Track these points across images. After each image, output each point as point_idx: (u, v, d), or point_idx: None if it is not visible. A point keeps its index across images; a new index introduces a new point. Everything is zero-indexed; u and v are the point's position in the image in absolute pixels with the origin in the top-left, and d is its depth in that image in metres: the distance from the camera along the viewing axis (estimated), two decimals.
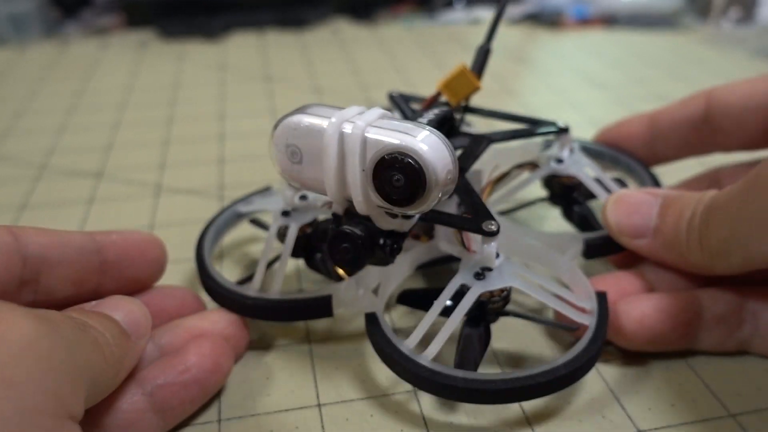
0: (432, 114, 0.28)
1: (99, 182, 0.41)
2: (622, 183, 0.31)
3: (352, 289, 0.26)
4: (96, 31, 0.70)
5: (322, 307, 0.26)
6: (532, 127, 0.31)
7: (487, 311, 0.24)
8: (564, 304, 0.25)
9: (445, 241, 0.27)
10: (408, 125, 0.21)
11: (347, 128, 0.22)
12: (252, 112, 0.50)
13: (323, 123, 0.22)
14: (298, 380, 0.26)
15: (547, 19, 0.70)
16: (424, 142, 0.20)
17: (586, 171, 0.30)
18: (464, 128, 0.31)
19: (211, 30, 0.67)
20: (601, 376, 0.26)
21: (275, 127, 0.23)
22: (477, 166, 0.29)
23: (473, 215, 0.24)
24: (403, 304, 0.28)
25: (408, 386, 0.25)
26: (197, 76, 0.58)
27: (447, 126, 0.29)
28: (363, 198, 0.22)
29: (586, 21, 0.70)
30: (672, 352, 0.26)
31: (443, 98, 0.30)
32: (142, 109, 0.51)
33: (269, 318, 0.27)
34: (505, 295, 0.24)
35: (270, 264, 0.29)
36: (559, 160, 0.30)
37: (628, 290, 0.27)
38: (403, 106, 0.31)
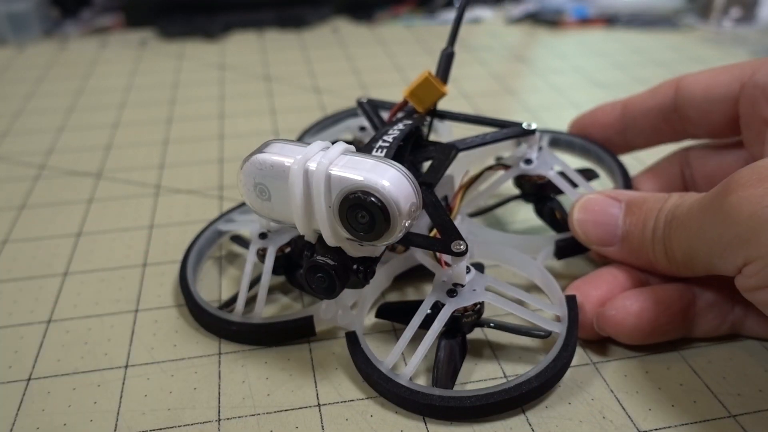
0: (397, 130, 0.28)
1: (98, 182, 0.41)
2: (590, 174, 0.32)
3: (332, 308, 0.27)
4: (95, 31, 0.70)
5: (304, 327, 0.27)
6: (499, 130, 0.31)
7: (462, 324, 0.25)
8: (534, 314, 0.25)
9: (421, 253, 0.28)
10: (370, 161, 0.22)
11: (312, 166, 0.22)
12: (252, 112, 0.50)
13: (288, 162, 0.22)
14: (298, 380, 0.26)
15: (547, 19, 0.70)
16: (386, 179, 0.21)
17: (555, 168, 0.31)
18: (433, 136, 0.31)
19: (211, 30, 0.67)
20: (601, 376, 0.26)
21: (242, 165, 0.24)
22: (448, 172, 0.29)
23: (442, 235, 0.25)
24: (382, 318, 0.28)
25: None
26: (197, 75, 0.58)
27: (413, 138, 0.29)
28: (331, 232, 0.23)
29: (586, 21, 0.69)
30: (671, 347, 0.26)
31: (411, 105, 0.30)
32: (141, 109, 0.51)
33: (254, 343, 0.28)
34: (478, 308, 0.25)
35: (253, 284, 0.29)
36: (528, 161, 0.31)
37: (626, 285, 0.27)
38: (372, 115, 0.32)
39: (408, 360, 0.25)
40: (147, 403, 0.25)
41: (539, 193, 0.32)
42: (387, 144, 0.27)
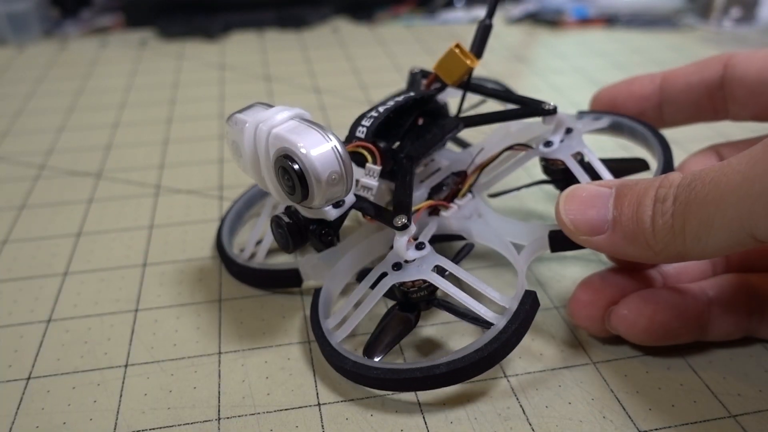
0: (392, 102, 0.28)
1: (98, 182, 0.41)
2: (639, 165, 0.31)
3: (311, 262, 0.29)
4: (95, 31, 0.70)
5: (291, 277, 0.29)
6: (517, 108, 0.30)
7: (412, 300, 0.26)
8: (475, 303, 0.24)
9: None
10: (307, 129, 0.23)
11: (260, 127, 0.24)
12: None
13: (246, 120, 0.25)
14: (298, 379, 0.26)
15: (547, 19, 0.70)
16: (310, 147, 0.22)
17: (583, 153, 0.29)
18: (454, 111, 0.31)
19: (211, 30, 0.67)
20: (602, 376, 0.26)
21: (226, 122, 0.26)
22: (463, 148, 0.30)
23: (394, 207, 0.26)
24: (359, 281, 0.28)
25: None
26: (197, 75, 0.58)
27: (417, 111, 0.29)
28: (274, 190, 0.25)
29: (586, 21, 0.69)
30: (677, 349, 0.26)
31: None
32: (141, 109, 0.51)
33: (251, 284, 0.31)
34: (426, 286, 0.25)
35: None
36: (548, 143, 0.29)
37: (639, 285, 0.26)
38: (418, 87, 0.32)
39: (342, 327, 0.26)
40: (147, 402, 0.25)
41: (566, 178, 0.29)
42: (375, 115, 0.28)
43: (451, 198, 0.29)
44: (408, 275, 0.25)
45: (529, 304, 0.24)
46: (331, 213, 0.25)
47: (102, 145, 0.45)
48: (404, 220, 0.25)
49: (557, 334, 0.28)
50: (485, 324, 0.25)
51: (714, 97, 0.29)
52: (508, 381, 0.25)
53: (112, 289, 0.31)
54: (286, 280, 0.30)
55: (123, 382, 0.26)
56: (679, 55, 0.60)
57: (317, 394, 0.25)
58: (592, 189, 0.24)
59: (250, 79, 0.57)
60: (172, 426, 0.24)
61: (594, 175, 0.28)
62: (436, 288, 0.25)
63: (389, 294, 0.26)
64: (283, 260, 0.32)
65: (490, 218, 0.28)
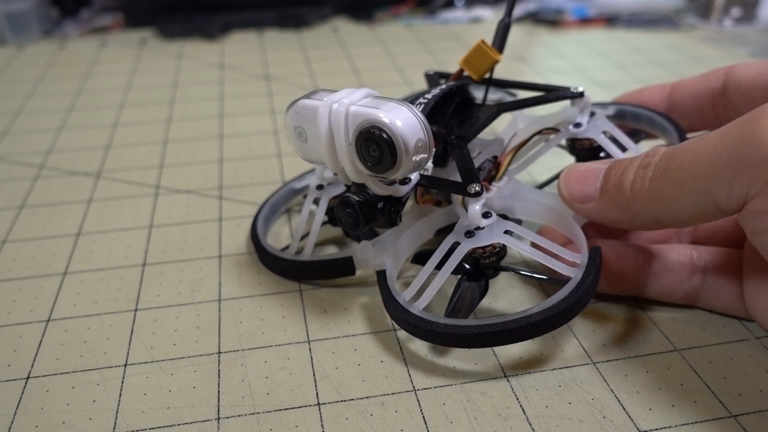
0: (438, 89, 0.30)
1: (98, 182, 0.41)
2: (637, 135, 0.33)
3: (367, 249, 0.29)
4: (95, 31, 0.70)
5: (344, 266, 0.30)
6: (551, 93, 0.32)
7: (482, 267, 0.27)
8: (551, 259, 0.26)
9: (459, 206, 0.29)
10: (386, 102, 0.24)
11: (335, 106, 0.25)
12: (252, 112, 0.50)
13: (317, 104, 0.25)
14: (297, 379, 0.26)
15: (547, 19, 0.70)
16: (396, 117, 0.23)
17: (604, 133, 0.31)
18: (491, 99, 0.33)
19: (211, 30, 0.67)
20: (602, 376, 0.26)
21: (287, 111, 0.27)
22: (498, 133, 0.31)
23: (462, 179, 0.27)
24: (417, 263, 0.29)
25: (408, 386, 0.25)
26: (196, 75, 0.58)
27: (457, 99, 0.31)
28: (351, 167, 0.25)
29: (586, 20, 0.69)
30: (671, 347, 0.26)
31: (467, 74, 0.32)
32: (141, 109, 0.51)
33: (302, 278, 0.31)
34: (497, 251, 0.27)
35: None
36: (577, 125, 0.31)
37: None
38: (432, 84, 0.34)
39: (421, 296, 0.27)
40: (146, 401, 0.25)
41: (591, 157, 0.32)
42: (425, 101, 0.29)
43: (489, 181, 0.30)
44: (482, 240, 0.26)
45: (598, 257, 0.26)
46: (402, 189, 0.26)
47: (101, 145, 0.45)
48: (477, 188, 0.26)
49: (557, 334, 0.28)
50: (558, 280, 0.27)
51: (716, 105, 0.31)
52: (508, 381, 0.25)
53: (111, 289, 0.31)
54: (340, 270, 0.30)
55: (122, 382, 0.26)
56: (679, 54, 0.60)
57: (317, 393, 0.25)
58: (589, 166, 0.27)
59: (250, 79, 0.57)
60: (172, 425, 0.24)
61: (624, 151, 0.30)
62: (503, 254, 0.27)
63: (457, 270, 0.27)
64: (331, 252, 0.33)
65: (531, 194, 0.30)
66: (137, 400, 0.25)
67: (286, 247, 0.32)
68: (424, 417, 0.24)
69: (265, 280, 0.31)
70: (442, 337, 0.25)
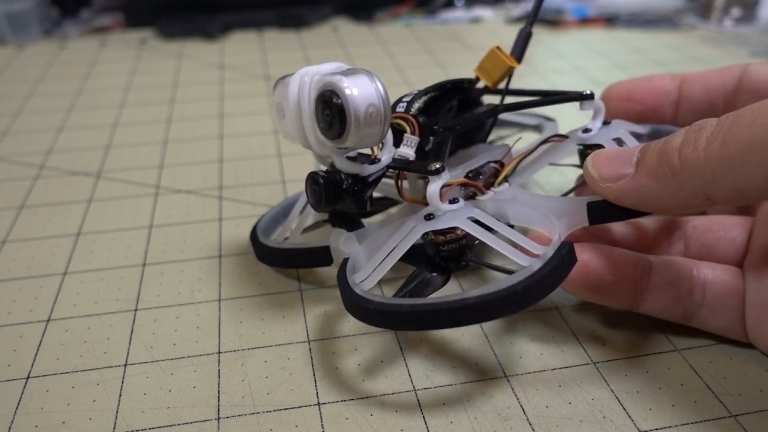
0: (427, 88, 0.29)
1: (98, 182, 0.41)
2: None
3: (338, 236, 0.28)
4: (95, 31, 0.70)
5: (321, 254, 0.29)
6: (557, 95, 0.30)
7: (443, 255, 0.25)
8: (510, 248, 0.24)
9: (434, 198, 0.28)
10: (351, 71, 0.24)
11: (305, 78, 0.25)
12: (252, 112, 0.50)
13: (292, 77, 0.26)
14: (297, 379, 0.26)
15: (547, 19, 0.69)
16: (352, 82, 0.23)
17: (617, 141, 0.28)
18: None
19: (211, 30, 0.67)
20: (602, 376, 0.26)
21: (273, 89, 0.27)
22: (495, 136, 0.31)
23: (429, 159, 0.26)
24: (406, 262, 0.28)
25: (409, 386, 0.25)
26: (196, 75, 0.58)
27: (458, 97, 0.30)
28: (314, 138, 0.25)
29: (586, 20, 0.69)
30: (671, 347, 0.26)
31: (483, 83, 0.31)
32: (141, 109, 0.51)
33: (282, 265, 0.32)
34: (459, 239, 0.25)
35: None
36: (587, 130, 0.29)
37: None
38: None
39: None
40: (146, 401, 0.25)
41: None
42: (416, 93, 0.29)
43: (488, 186, 0.29)
44: (440, 224, 0.24)
45: (565, 251, 0.23)
46: (367, 168, 0.26)
47: (101, 145, 0.45)
48: (438, 165, 0.25)
49: (557, 334, 0.28)
50: (512, 270, 0.24)
51: (728, 102, 0.30)
52: (508, 381, 0.25)
53: (111, 289, 0.31)
54: (317, 258, 0.29)
55: (122, 382, 0.26)
56: (679, 54, 0.60)
57: (317, 393, 0.25)
58: (620, 149, 0.25)
59: (250, 79, 0.57)
60: (172, 425, 0.24)
61: None
62: (468, 246, 0.25)
63: (423, 259, 0.25)
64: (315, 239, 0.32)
65: (527, 198, 0.28)
66: (137, 400, 0.25)
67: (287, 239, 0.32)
68: (424, 417, 0.24)
69: (265, 280, 0.31)
70: (373, 316, 0.23)
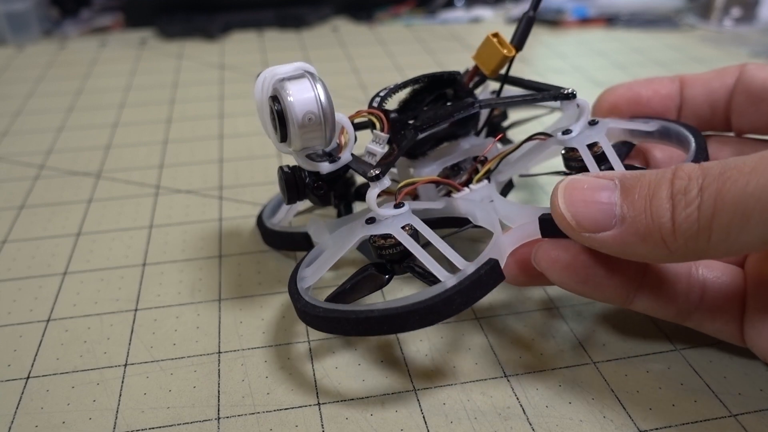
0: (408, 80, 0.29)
1: (98, 182, 0.41)
2: (631, 166, 0.29)
3: (311, 225, 0.29)
4: (95, 31, 0.70)
5: (301, 239, 0.31)
6: (536, 92, 0.30)
7: (384, 258, 0.25)
8: (431, 260, 0.24)
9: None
10: (300, 77, 0.25)
11: (267, 76, 0.26)
12: (252, 112, 0.50)
13: (259, 76, 0.26)
14: (297, 379, 0.26)
15: (547, 19, 0.69)
16: (294, 88, 0.24)
17: (592, 147, 0.27)
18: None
19: (211, 30, 0.67)
20: (602, 376, 0.26)
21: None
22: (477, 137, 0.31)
23: (377, 164, 0.26)
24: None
25: (408, 386, 0.25)
26: (196, 75, 0.58)
27: (437, 92, 0.30)
28: (271, 135, 0.26)
29: (586, 20, 0.69)
30: (671, 347, 0.26)
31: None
32: (141, 109, 0.51)
33: (272, 245, 0.33)
34: (398, 245, 0.25)
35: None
36: (567, 131, 0.28)
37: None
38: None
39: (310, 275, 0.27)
40: (146, 401, 0.25)
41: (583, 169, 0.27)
42: (390, 87, 0.29)
43: (467, 182, 0.29)
44: (377, 229, 0.25)
45: (485, 270, 0.23)
46: (324, 167, 0.26)
47: (101, 145, 0.45)
48: (376, 172, 0.25)
49: (557, 334, 0.28)
50: (433, 282, 0.24)
51: (727, 104, 0.29)
52: (508, 381, 0.25)
53: (111, 289, 0.31)
54: (299, 242, 0.31)
55: (122, 382, 0.26)
56: (679, 54, 0.60)
57: (317, 393, 0.25)
58: (593, 181, 0.22)
59: (250, 79, 0.57)
60: (172, 425, 0.24)
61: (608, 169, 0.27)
62: (409, 251, 0.24)
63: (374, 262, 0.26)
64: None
65: (498, 202, 0.27)
66: (137, 399, 0.25)
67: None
68: (424, 417, 0.24)
69: (265, 280, 0.31)
70: (300, 314, 0.25)
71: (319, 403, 0.25)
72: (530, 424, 0.24)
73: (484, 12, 0.73)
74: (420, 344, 0.27)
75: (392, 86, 0.29)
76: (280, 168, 0.28)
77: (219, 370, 0.26)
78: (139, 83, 0.56)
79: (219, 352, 0.27)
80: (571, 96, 0.28)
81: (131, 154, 0.44)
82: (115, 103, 0.52)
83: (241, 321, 0.29)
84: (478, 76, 0.30)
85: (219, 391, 0.25)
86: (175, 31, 0.68)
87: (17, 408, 0.25)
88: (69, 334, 0.28)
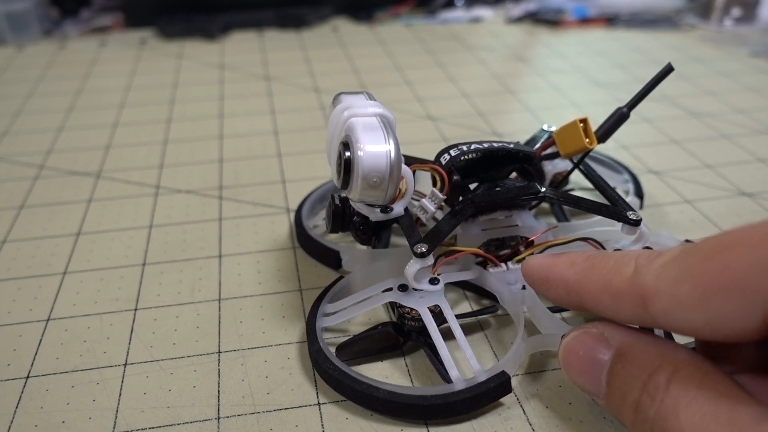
0: (487, 143, 0.29)
1: (97, 182, 0.41)
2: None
3: (352, 251, 0.30)
4: (95, 31, 0.70)
5: (332, 255, 0.31)
6: (603, 206, 0.28)
7: (405, 327, 0.26)
8: (450, 357, 0.24)
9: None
10: (376, 128, 0.24)
11: (345, 113, 0.25)
12: (251, 112, 0.50)
13: (341, 103, 0.26)
14: (298, 379, 0.26)
15: (547, 18, 0.70)
16: (369, 145, 0.23)
17: None
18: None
19: (211, 30, 0.67)
20: None
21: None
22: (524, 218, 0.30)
23: (425, 235, 0.26)
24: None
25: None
26: (196, 75, 0.58)
27: (510, 164, 0.30)
28: (333, 171, 0.26)
29: (586, 20, 0.69)
30: None
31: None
32: (140, 109, 0.51)
33: (305, 249, 0.33)
34: (421, 319, 0.25)
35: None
36: (618, 251, 0.26)
37: None
38: (532, 140, 0.33)
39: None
40: (146, 401, 0.25)
41: None
42: (464, 149, 0.28)
43: (508, 258, 0.28)
44: (406, 300, 0.26)
45: (495, 383, 0.23)
46: (375, 215, 0.27)
47: (101, 144, 0.45)
48: (424, 249, 0.25)
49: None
50: (446, 380, 0.24)
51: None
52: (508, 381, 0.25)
53: (111, 289, 0.31)
54: (327, 258, 0.31)
55: (122, 381, 0.26)
56: (679, 54, 0.60)
57: (317, 393, 0.25)
58: (588, 352, 0.21)
59: (250, 79, 0.57)
60: (172, 425, 0.24)
61: None
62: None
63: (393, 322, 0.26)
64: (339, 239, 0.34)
65: (529, 295, 0.26)
66: (137, 399, 0.25)
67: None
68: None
69: (265, 280, 0.31)
70: (311, 355, 0.26)
71: (319, 403, 0.25)
72: (530, 425, 0.24)
73: (484, 12, 0.73)
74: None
75: (465, 148, 0.28)
76: (332, 196, 0.28)
77: (219, 369, 0.26)
78: (139, 83, 0.56)
79: (219, 352, 0.27)
80: (635, 223, 0.27)
81: (131, 154, 0.44)
82: (115, 103, 0.52)
83: (241, 321, 0.29)
84: (553, 147, 0.29)
85: (219, 391, 0.25)
86: (175, 31, 0.68)
87: (17, 407, 0.25)
88: (69, 334, 0.28)
